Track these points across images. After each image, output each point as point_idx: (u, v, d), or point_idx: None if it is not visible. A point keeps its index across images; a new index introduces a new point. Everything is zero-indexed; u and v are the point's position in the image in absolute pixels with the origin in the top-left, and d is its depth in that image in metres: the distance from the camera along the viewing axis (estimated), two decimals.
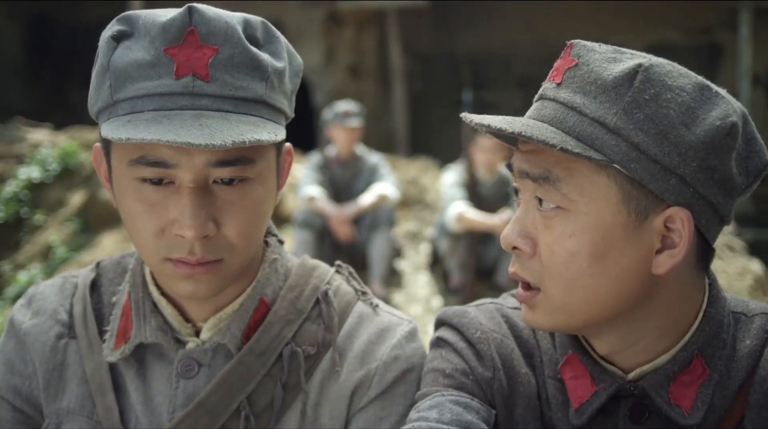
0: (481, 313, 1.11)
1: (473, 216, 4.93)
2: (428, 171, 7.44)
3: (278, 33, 1.04)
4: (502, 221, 4.90)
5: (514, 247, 0.95)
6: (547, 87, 0.96)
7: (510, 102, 10.91)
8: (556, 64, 0.96)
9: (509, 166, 0.98)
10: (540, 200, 0.92)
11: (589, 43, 0.94)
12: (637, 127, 0.87)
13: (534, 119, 0.94)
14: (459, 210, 4.92)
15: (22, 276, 5.99)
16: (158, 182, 0.96)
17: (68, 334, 1.14)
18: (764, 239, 7.69)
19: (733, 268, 5.31)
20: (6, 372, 1.15)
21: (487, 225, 4.93)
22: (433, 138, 10.93)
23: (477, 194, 5.14)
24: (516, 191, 0.98)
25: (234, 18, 0.97)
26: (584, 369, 0.99)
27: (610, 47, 0.94)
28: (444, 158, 7.76)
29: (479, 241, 5.12)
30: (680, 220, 0.89)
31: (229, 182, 0.97)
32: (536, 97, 0.98)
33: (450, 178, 5.22)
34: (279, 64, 1.00)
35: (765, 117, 10.08)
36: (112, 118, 0.95)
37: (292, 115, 1.07)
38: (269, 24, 1.03)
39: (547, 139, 0.86)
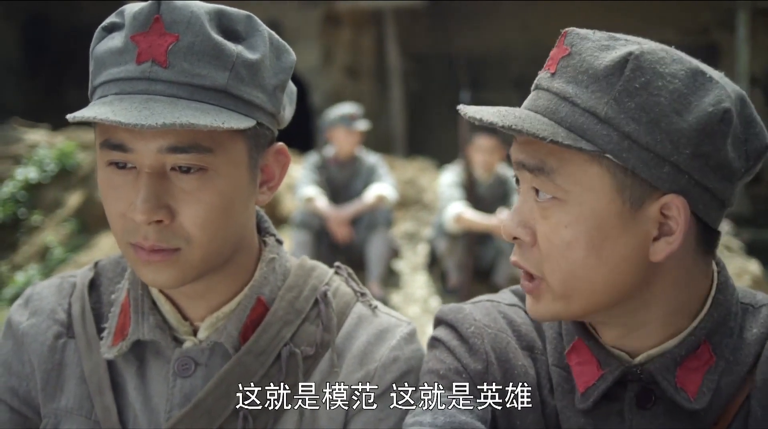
0: (476, 309, 1.11)
1: (471, 216, 4.93)
2: (426, 171, 7.44)
3: (264, 28, 1.03)
4: (500, 221, 4.90)
5: (515, 237, 0.96)
6: (542, 77, 0.96)
7: (507, 102, 10.73)
8: (551, 53, 0.96)
9: (509, 157, 0.99)
10: (537, 191, 0.93)
11: (582, 31, 0.94)
12: (628, 116, 0.87)
13: (529, 110, 0.94)
14: (457, 210, 4.92)
15: (20, 277, 5.98)
16: (123, 167, 0.97)
17: (66, 334, 1.13)
18: (762, 239, 7.69)
19: (731, 269, 5.28)
20: (3, 373, 1.14)
21: (485, 225, 4.93)
22: (430, 138, 10.93)
23: (475, 194, 5.14)
24: (516, 180, 0.99)
25: (203, 8, 0.98)
26: (590, 355, 1.00)
27: (604, 34, 0.93)
28: (442, 158, 7.76)
29: (477, 241, 5.12)
30: (676, 207, 0.89)
31: (187, 171, 0.97)
32: (533, 86, 0.98)
33: (448, 179, 5.22)
34: (252, 56, 0.99)
35: (763, 117, 10.07)
36: (91, 103, 0.98)
37: (278, 111, 1.06)
38: (255, 19, 1.03)
39: (537, 132, 0.87)
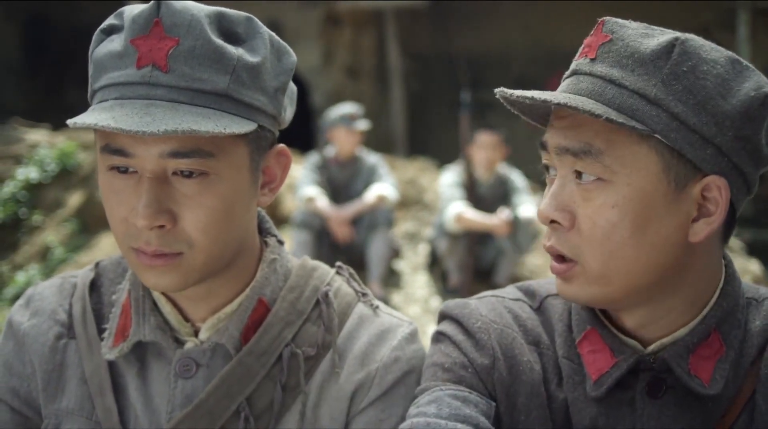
0: (482, 304, 1.12)
1: (472, 216, 4.93)
2: (427, 171, 7.44)
3: (264, 30, 1.03)
4: (501, 221, 4.90)
5: (552, 221, 0.96)
6: (580, 62, 0.97)
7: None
8: (587, 41, 0.98)
9: (542, 145, 0.99)
10: (579, 173, 0.94)
11: (620, 20, 0.97)
12: (676, 98, 0.90)
13: (571, 93, 0.95)
14: (457, 210, 4.92)
15: (20, 277, 5.97)
16: (125, 171, 0.97)
17: (67, 335, 1.13)
18: (763, 239, 7.69)
19: None
20: (4, 373, 1.14)
21: (486, 225, 4.93)
22: (431, 138, 10.93)
23: (475, 194, 5.14)
24: (547, 168, 1.00)
25: (203, 11, 0.97)
26: (603, 343, 1.01)
27: (640, 24, 0.97)
28: (442, 158, 7.76)
29: (477, 241, 5.12)
30: (717, 189, 0.92)
31: (189, 175, 0.96)
32: (567, 73, 1.00)
33: (448, 179, 5.22)
34: (252, 59, 0.99)
35: None
36: (91, 107, 0.98)
37: (279, 113, 1.06)
38: (255, 21, 1.02)
39: (592, 110, 0.88)
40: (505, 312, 1.10)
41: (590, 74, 0.95)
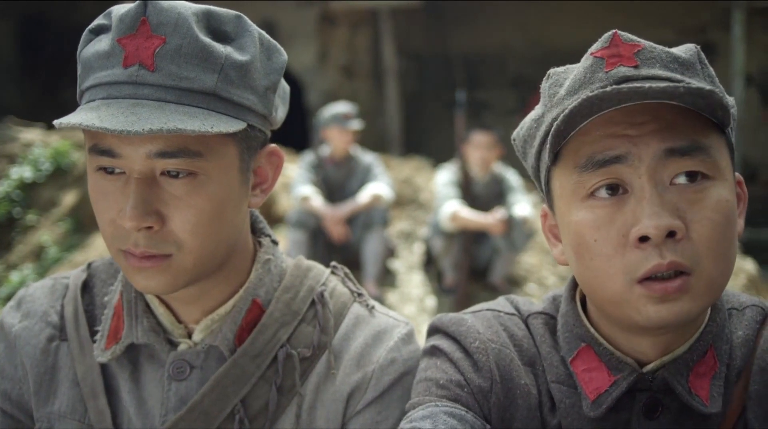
0: (478, 321, 1.08)
1: (467, 215, 4.93)
2: (422, 170, 7.43)
3: (254, 28, 1.02)
4: (496, 220, 4.90)
5: (671, 232, 0.85)
6: (621, 70, 0.90)
7: (504, 102, 10.93)
8: (609, 52, 0.91)
9: (614, 159, 0.88)
10: (687, 175, 0.87)
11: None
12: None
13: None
14: (453, 209, 4.91)
15: (14, 276, 5.96)
16: (112, 172, 0.96)
17: (59, 337, 1.12)
18: (757, 239, 7.71)
19: None
20: None
21: (481, 224, 4.93)
22: (426, 137, 10.93)
23: (471, 193, 5.14)
24: (615, 188, 0.89)
25: (190, 9, 0.96)
26: (598, 361, 0.98)
27: None
28: (438, 158, 7.76)
29: (473, 240, 5.11)
30: (739, 185, 0.95)
31: (177, 176, 0.95)
32: (609, 80, 0.90)
33: (444, 177, 5.21)
34: (241, 58, 0.98)
35: (758, 116, 10.11)
36: (79, 107, 0.97)
37: (270, 112, 1.04)
38: (245, 19, 1.01)
39: (721, 100, 0.86)
40: (501, 330, 1.06)
41: (653, 77, 0.89)
